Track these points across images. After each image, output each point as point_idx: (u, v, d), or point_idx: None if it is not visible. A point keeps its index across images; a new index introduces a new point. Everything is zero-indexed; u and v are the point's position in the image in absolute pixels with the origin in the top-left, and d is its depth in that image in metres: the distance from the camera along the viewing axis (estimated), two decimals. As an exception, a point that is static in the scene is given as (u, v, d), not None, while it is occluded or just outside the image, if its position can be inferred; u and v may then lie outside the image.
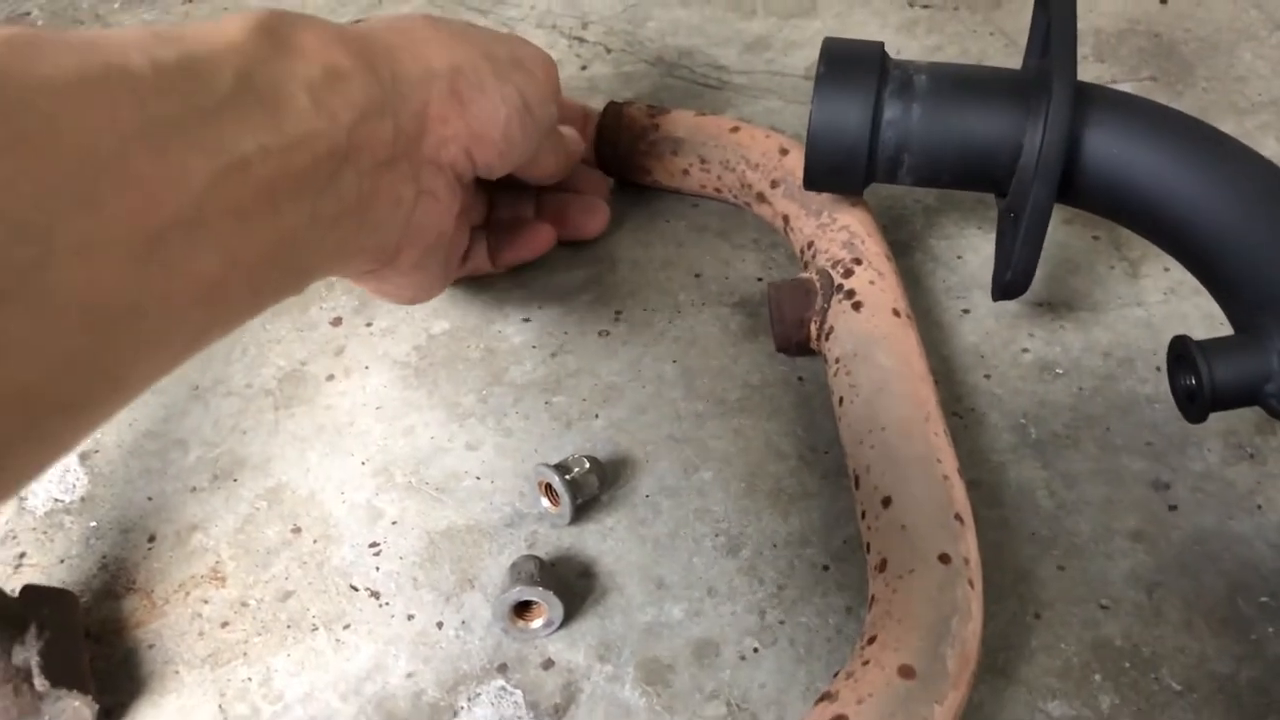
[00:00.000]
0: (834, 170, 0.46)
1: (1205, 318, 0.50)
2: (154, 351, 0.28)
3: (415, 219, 0.40)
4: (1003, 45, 0.66)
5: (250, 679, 0.41)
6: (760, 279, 0.54)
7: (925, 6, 0.69)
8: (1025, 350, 0.50)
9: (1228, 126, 0.59)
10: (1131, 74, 0.63)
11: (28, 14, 0.78)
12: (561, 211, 0.54)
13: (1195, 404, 0.39)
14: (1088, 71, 0.64)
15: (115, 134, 0.25)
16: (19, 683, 0.38)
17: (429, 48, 0.40)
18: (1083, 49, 0.65)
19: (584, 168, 0.56)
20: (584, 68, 0.67)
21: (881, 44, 0.46)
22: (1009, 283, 0.45)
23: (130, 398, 0.28)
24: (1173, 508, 0.44)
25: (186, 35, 0.30)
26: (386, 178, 0.37)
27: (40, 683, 0.38)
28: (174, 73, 0.28)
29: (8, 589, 0.40)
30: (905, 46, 0.66)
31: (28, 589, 0.40)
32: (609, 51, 0.69)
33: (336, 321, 0.54)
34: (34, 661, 0.38)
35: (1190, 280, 0.46)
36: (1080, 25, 0.65)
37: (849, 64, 0.45)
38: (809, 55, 0.67)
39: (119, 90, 0.26)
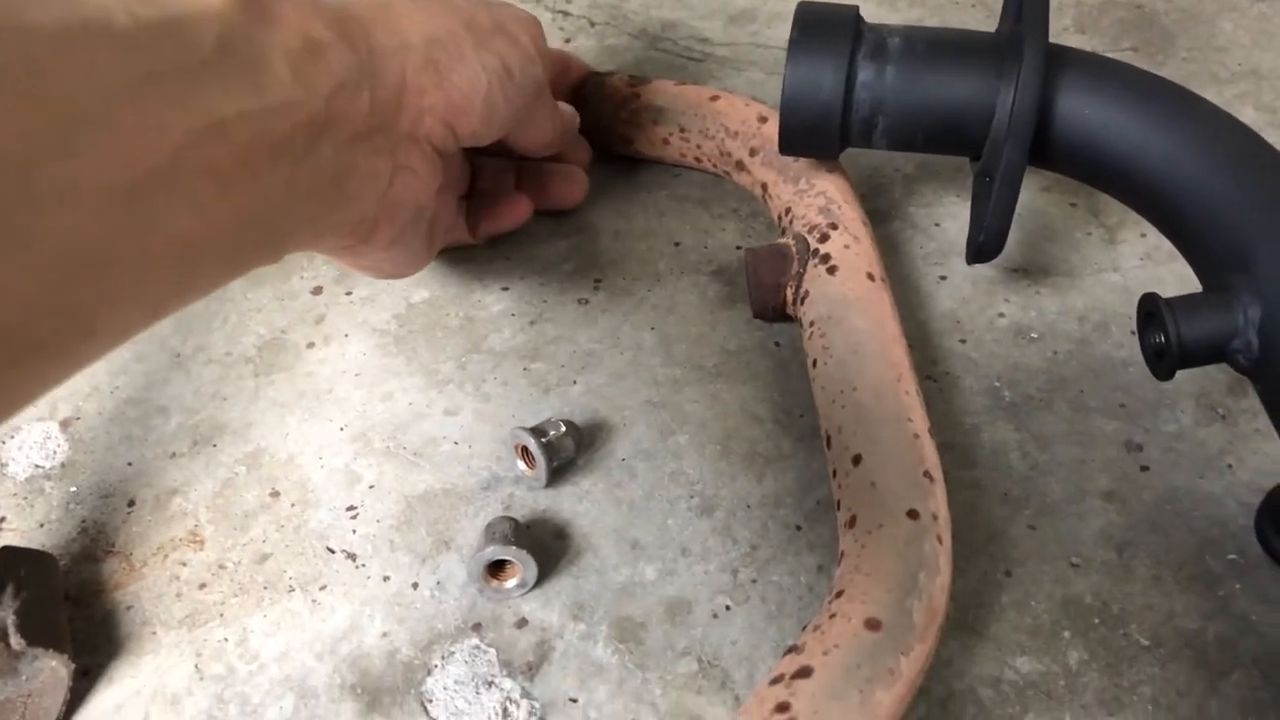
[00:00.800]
0: (809, 133, 0.46)
1: (1181, 282, 0.50)
2: (127, 304, 0.28)
3: (391, 194, 0.40)
4: (984, 17, 0.66)
5: (227, 639, 0.42)
6: (739, 247, 0.54)
7: (908, -21, 0.69)
8: (1001, 315, 0.50)
9: (1208, 96, 0.59)
10: (1112, 45, 0.63)
11: None
12: (541, 182, 0.55)
13: (1164, 361, 0.39)
14: (1069, 42, 0.64)
15: (96, 84, 0.26)
16: (-4, 641, 0.39)
17: (406, 19, 0.40)
18: (1064, 20, 0.65)
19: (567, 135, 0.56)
20: (568, 40, 0.68)
21: (856, 7, 0.46)
22: (983, 244, 0.45)
23: (102, 349, 0.28)
24: (1144, 468, 0.44)
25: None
26: (362, 150, 0.37)
27: (16, 641, 0.38)
28: (156, 30, 0.28)
29: (-14, 551, 0.40)
30: (887, 19, 0.66)
31: (5, 550, 0.41)
32: (593, 25, 0.69)
33: (317, 290, 0.54)
34: (10, 621, 0.38)
35: (1166, 245, 0.46)
36: (1062, -4, 0.65)
37: (823, 27, 0.45)
38: (792, 27, 0.67)
39: (100, 42, 0.26)
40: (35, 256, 0.24)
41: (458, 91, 0.41)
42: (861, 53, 0.45)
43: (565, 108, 0.52)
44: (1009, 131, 0.42)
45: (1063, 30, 0.65)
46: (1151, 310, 0.39)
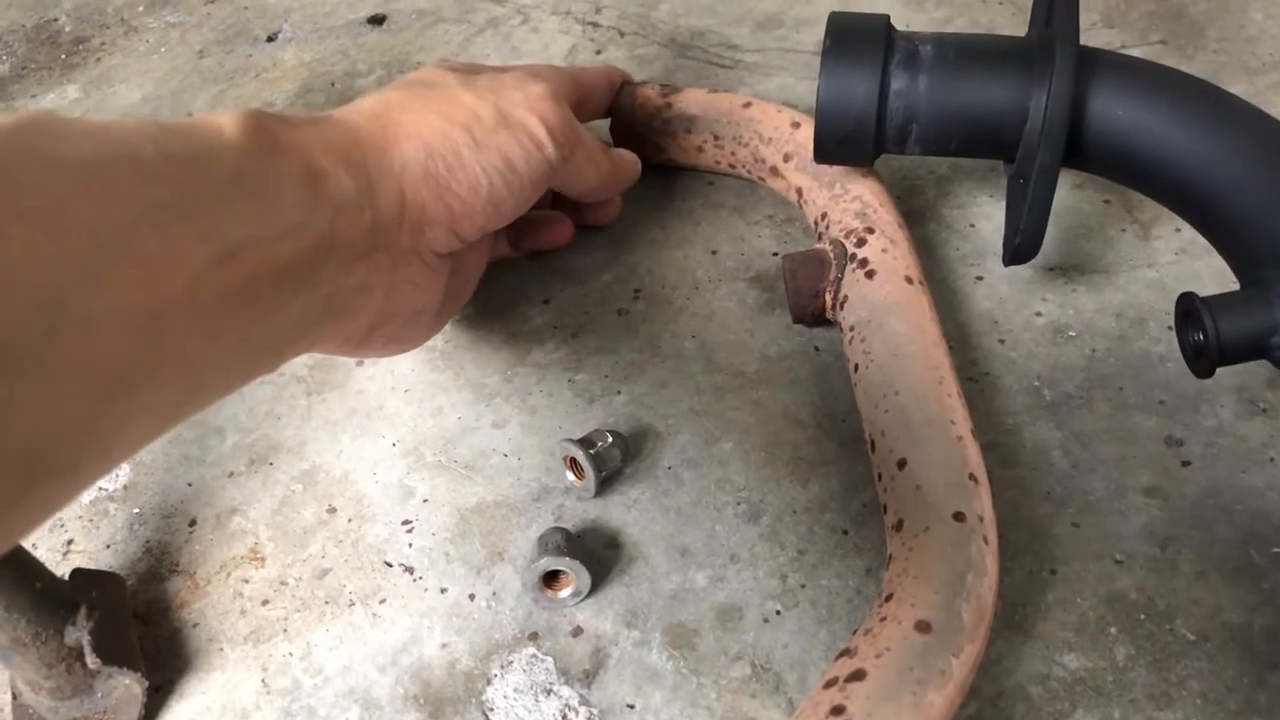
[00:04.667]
0: (843, 142, 0.47)
1: (1217, 276, 0.51)
2: (139, 424, 0.29)
3: (389, 306, 0.41)
4: (1011, 14, 0.66)
5: (291, 654, 0.43)
6: (776, 253, 0.55)
7: (934, -22, 0.70)
8: (1038, 314, 0.51)
9: (1239, 87, 0.59)
10: (1141, 39, 0.64)
11: (56, 19, 0.80)
12: (576, 201, 0.56)
13: (1203, 359, 0.40)
14: (1097, 38, 0.64)
15: (121, 213, 0.27)
16: (71, 661, 0.40)
17: (403, 134, 0.40)
18: (1092, 15, 0.65)
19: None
20: (598, 52, 0.68)
21: (887, 16, 0.47)
22: (1019, 247, 0.46)
23: (110, 467, 0.29)
24: (1186, 463, 0.45)
25: (189, 129, 0.31)
26: (363, 269, 0.38)
27: (92, 661, 0.40)
28: (179, 161, 0.30)
29: (57, 574, 0.42)
30: (914, 20, 0.67)
31: (77, 572, 0.42)
32: (622, 35, 0.70)
33: (363, 308, 0.55)
34: (85, 641, 0.40)
35: (1202, 240, 0.47)
36: (1089, -10, 0.65)
37: (854, 37, 0.46)
38: (820, 31, 0.67)
39: (127, 173, 0.27)
40: (62, 383, 0.25)
41: (458, 200, 0.41)
42: (894, 62, 0.46)
43: (624, 155, 0.53)
44: (1042, 136, 0.43)
45: (1091, 25, 0.65)
46: (1189, 309, 0.40)
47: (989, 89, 0.45)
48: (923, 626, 0.36)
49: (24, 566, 0.39)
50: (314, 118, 0.38)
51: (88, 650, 0.40)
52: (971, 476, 0.40)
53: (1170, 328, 0.49)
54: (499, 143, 0.42)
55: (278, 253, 0.32)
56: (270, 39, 0.75)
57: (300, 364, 0.53)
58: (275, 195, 0.33)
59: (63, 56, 0.77)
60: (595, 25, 0.71)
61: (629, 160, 0.53)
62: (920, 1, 0.68)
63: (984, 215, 0.55)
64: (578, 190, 0.50)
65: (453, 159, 0.41)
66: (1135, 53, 0.63)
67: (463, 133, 0.41)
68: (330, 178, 0.36)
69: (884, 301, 0.46)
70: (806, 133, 0.54)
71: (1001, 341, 0.50)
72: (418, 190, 0.40)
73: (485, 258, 0.50)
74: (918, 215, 0.56)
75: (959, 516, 0.39)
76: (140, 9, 0.80)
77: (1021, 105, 0.45)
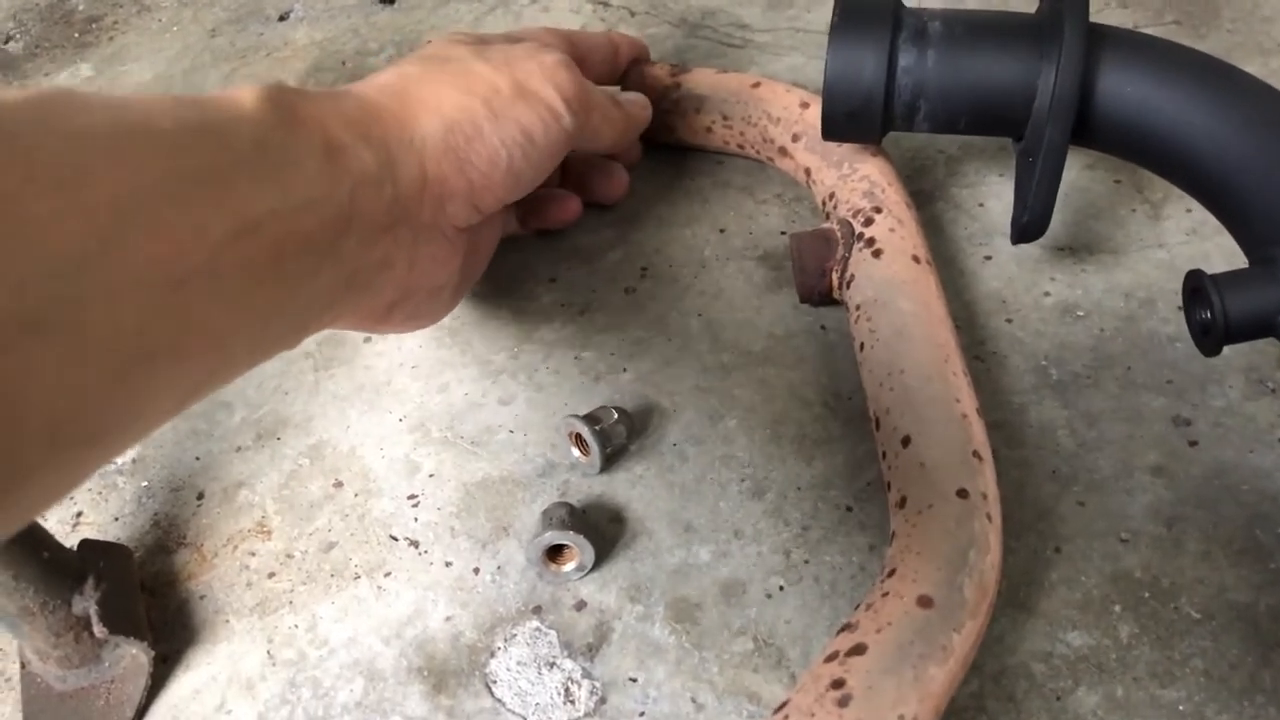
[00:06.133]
0: (851, 119, 0.47)
1: (1227, 256, 0.50)
2: (163, 396, 0.29)
3: (411, 280, 0.41)
4: (1025, -6, 0.66)
5: (297, 626, 0.43)
6: (783, 233, 0.55)
7: (947, -42, 0.69)
8: (1047, 294, 0.50)
9: (1253, 68, 0.59)
10: (1155, 18, 0.63)
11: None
12: (584, 178, 0.56)
13: (1210, 336, 0.39)
14: (1111, 17, 0.64)
15: (141, 184, 0.27)
16: (79, 630, 0.40)
17: (422, 107, 0.40)
18: (1106, -6, 0.65)
19: None
20: (608, 31, 0.68)
21: (896, -7, 0.47)
22: (1026, 224, 0.46)
23: (135, 440, 0.29)
24: (1193, 443, 0.45)
25: (206, 102, 0.32)
26: (384, 243, 0.38)
27: (99, 630, 0.40)
28: (197, 133, 0.30)
29: (66, 546, 0.42)
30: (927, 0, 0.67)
31: (85, 543, 0.43)
32: (633, 14, 0.69)
33: (372, 286, 0.55)
34: (93, 610, 0.40)
35: (1212, 220, 0.46)
36: (1103, -31, 0.65)
37: (863, 12, 0.46)
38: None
39: (145, 144, 0.28)
40: (86, 351, 0.25)
41: (478, 173, 0.41)
42: (902, 38, 0.45)
43: (633, 97, 0.53)
44: (1051, 113, 0.43)
45: (1105, 6, 0.64)
46: (1197, 286, 0.40)
47: (998, 65, 0.45)
48: (925, 601, 0.36)
49: (32, 536, 0.39)
50: (332, 92, 0.38)
51: (95, 620, 0.40)
52: (975, 454, 0.40)
53: (1179, 308, 0.49)
54: (517, 114, 0.42)
55: (299, 225, 0.32)
56: (282, 18, 0.75)
57: (308, 340, 0.53)
58: (295, 167, 0.33)
59: (76, 35, 0.77)
60: (606, 4, 0.70)
61: (640, 106, 0.53)
62: (932, -19, 0.68)
63: (993, 194, 0.55)
64: (595, 149, 0.50)
65: (472, 131, 0.41)
66: (1149, 32, 0.62)
67: (481, 105, 0.41)
68: (350, 151, 0.36)
69: (891, 280, 0.46)
70: (815, 113, 0.53)
71: (1009, 321, 0.50)
72: (438, 164, 0.40)
73: (498, 234, 0.50)
74: (927, 195, 0.55)
75: (962, 493, 0.39)
76: (153, -12, 0.80)
77: (1030, 82, 0.44)
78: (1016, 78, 0.45)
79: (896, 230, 0.48)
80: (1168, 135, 0.43)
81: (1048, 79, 0.43)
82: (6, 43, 0.77)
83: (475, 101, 0.41)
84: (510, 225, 0.54)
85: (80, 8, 0.80)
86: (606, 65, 0.56)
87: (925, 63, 0.45)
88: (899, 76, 0.46)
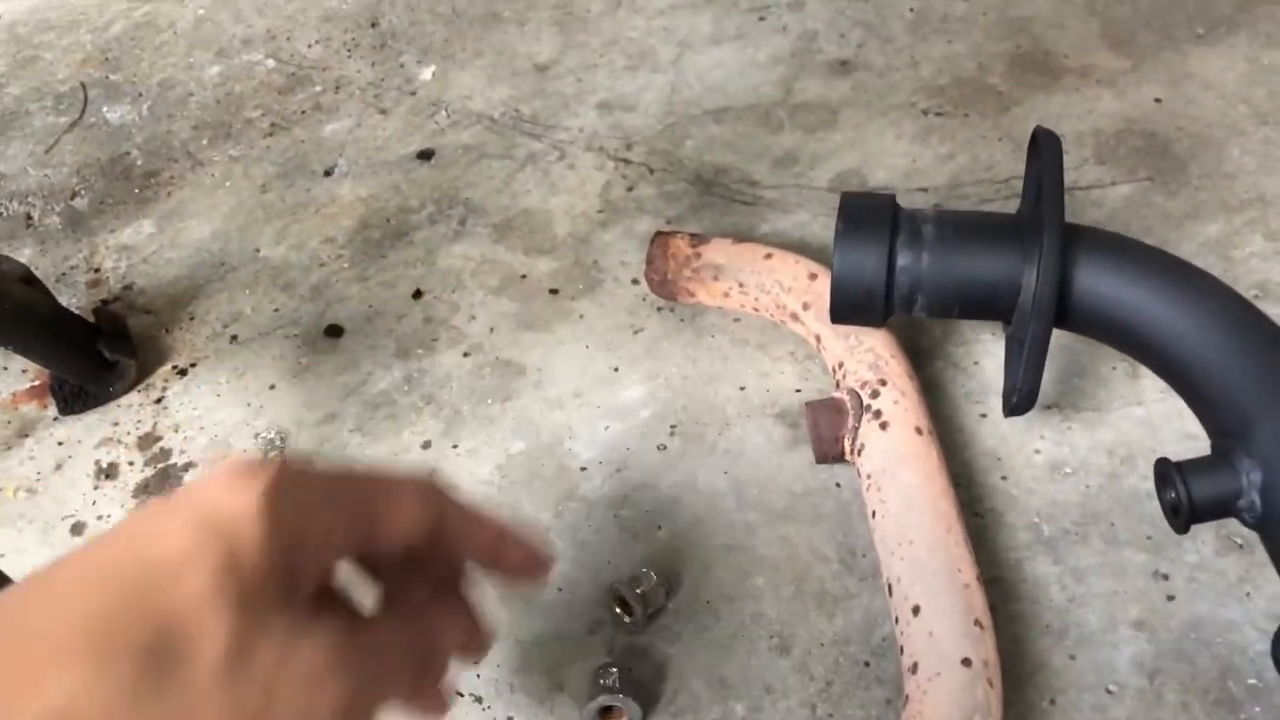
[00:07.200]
0: (856, 310, 0.53)
1: (1198, 415, 0.56)
2: None
3: None
4: (1010, 150, 0.72)
5: (378, 780, 0.48)
6: (798, 389, 0.61)
7: (938, 114, 0.76)
8: (1037, 451, 0.56)
9: (1218, 224, 0.65)
10: (1129, 175, 0.69)
11: (128, 153, 0.87)
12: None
13: (1179, 517, 0.45)
14: (1089, 174, 0.70)
15: None
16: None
17: None
18: (1084, 152, 0.71)
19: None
20: (630, 189, 0.75)
21: (893, 196, 0.53)
22: (1015, 405, 0.52)
23: None
24: (1170, 598, 0.50)
25: None
26: None
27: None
28: None
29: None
30: (920, 155, 0.73)
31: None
32: (651, 172, 0.76)
33: (426, 445, 0.61)
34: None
35: (1182, 383, 0.52)
36: (1081, 126, 0.72)
37: (864, 218, 0.52)
38: (833, 167, 0.73)
39: None
40: None
41: None
42: (899, 241, 0.52)
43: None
44: (1033, 310, 0.49)
45: (1082, 163, 0.71)
46: (1164, 473, 0.45)
47: (985, 264, 0.51)
48: (936, 766, 0.41)
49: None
50: None
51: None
52: (977, 623, 0.46)
53: (1156, 466, 0.55)
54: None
55: None
56: (327, 173, 0.82)
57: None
58: None
59: (136, 190, 0.83)
60: (626, 161, 0.77)
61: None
62: (926, 139, 0.74)
63: (987, 353, 0.61)
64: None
65: None
66: (1123, 189, 0.69)
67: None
68: None
69: (897, 452, 0.52)
70: (822, 283, 0.59)
71: (1004, 478, 0.55)
72: None
73: None
74: (926, 353, 0.61)
75: (966, 662, 0.44)
76: (204, 142, 0.87)
77: (1015, 278, 0.51)
78: (1002, 274, 0.51)
79: (900, 402, 0.54)
80: (1138, 329, 0.49)
81: (1030, 278, 0.49)
82: (73, 199, 0.84)
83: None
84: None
85: (139, 162, 0.86)
86: (414, 520, 0.31)
87: (920, 263, 0.51)
88: (897, 274, 0.52)
